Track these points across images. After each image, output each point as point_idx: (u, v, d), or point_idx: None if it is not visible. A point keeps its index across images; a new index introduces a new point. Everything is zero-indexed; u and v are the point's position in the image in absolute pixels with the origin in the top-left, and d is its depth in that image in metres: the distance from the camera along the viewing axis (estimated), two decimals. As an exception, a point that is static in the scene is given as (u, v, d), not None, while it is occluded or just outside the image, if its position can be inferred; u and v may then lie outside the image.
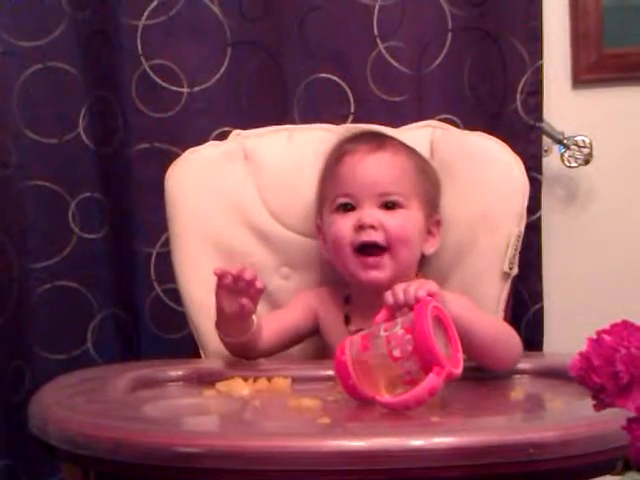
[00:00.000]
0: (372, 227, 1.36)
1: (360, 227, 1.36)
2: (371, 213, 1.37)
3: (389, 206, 1.38)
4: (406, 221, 1.38)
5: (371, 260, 1.36)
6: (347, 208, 1.39)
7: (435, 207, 1.44)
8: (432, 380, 1.06)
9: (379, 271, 1.36)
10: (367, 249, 1.36)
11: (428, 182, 1.44)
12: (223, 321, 1.31)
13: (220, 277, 1.27)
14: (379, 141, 1.43)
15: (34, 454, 1.60)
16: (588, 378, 0.81)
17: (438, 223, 1.44)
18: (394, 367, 1.09)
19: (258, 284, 1.27)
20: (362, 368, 1.11)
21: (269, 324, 1.37)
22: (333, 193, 1.41)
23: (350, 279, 1.41)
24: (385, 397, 1.08)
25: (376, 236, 1.36)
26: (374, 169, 1.40)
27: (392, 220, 1.37)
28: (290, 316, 1.43)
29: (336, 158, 1.43)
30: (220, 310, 1.30)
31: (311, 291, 1.47)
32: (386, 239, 1.36)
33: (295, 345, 1.43)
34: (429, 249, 1.43)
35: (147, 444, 0.97)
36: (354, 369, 1.11)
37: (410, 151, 1.44)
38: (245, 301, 1.27)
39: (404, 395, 1.07)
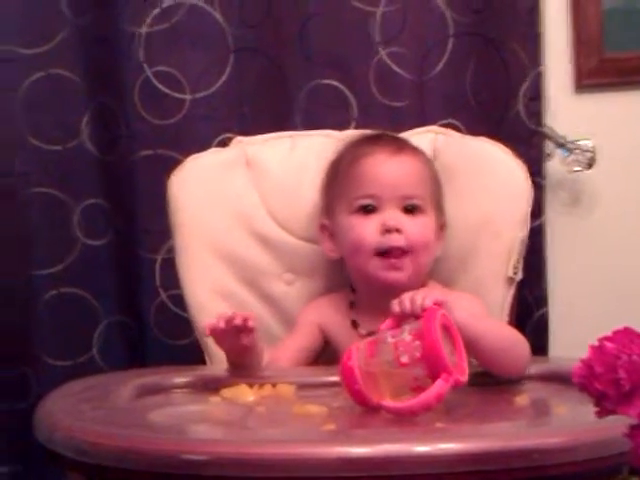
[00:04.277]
0: (396, 230, 1.36)
1: (386, 231, 1.36)
2: (395, 216, 1.37)
3: (410, 209, 1.38)
4: (426, 226, 1.39)
5: (394, 262, 1.36)
6: (368, 210, 1.38)
7: (442, 210, 1.44)
8: (440, 386, 1.06)
9: (400, 272, 1.36)
10: (389, 252, 1.37)
11: (438, 186, 1.44)
12: (231, 361, 1.31)
13: (212, 331, 1.27)
14: (399, 144, 1.43)
15: (40, 461, 1.60)
16: (590, 385, 0.81)
17: (443, 226, 1.44)
18: (401, 373, 1.09)
19: (250, 323, 1.27)
20: (368, 374, 1.11)
21: (281, 355, 1.38)
22: (352, 194, 1.40)
23: (364, 280, 1.40)
24: (391, 403, 1.08)
25: (400, 240, 1.36)
26: (397, 171, 1.40)
27: (414, 225, 1.38)
28: (298, 342, 1.42)
29: (353, 159, 1.42)
30: (226, 353, 1.31)
31: (310, 307, 1.46)
32: (408, 243, 1.37)
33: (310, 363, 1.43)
34: (437, 252, 1.43)
35: (152, 451, 0.97)
36: (360, 375, 1.11)
37: (424, 155, 1.45)
38: (246, 340, 1.27)
39: (411, 401, 1.07)
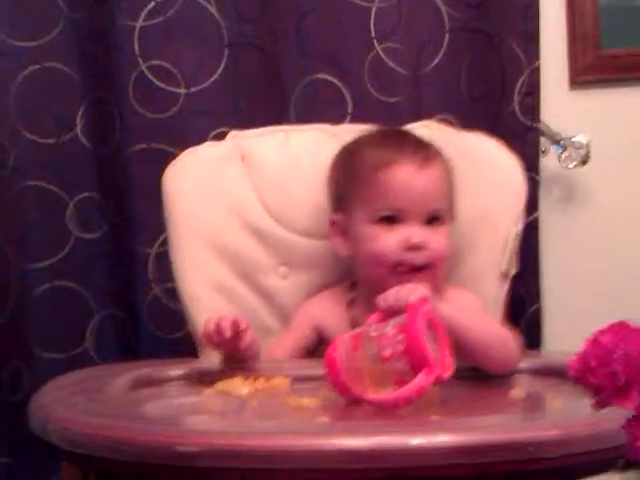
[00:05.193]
0: (419, 248, 1.35)
1: (409, 248, 1.35)
2: (419, 232, 1.35)
3: (432, 222, 1.37)
4: (446, 238, 1.38)
5: (412, 277, 1.33)
6: (389, 221, 1.36)
7: (454, 207, 1.43)
8: (421, 380, 1.07)
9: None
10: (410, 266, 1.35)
11: (454, 186, 1.42)
12: (226, 359, 1.31)
13: (208, 343, 1.28)
14: (425, 153, 1.39)
15: (34, 453, 1.60)
16: (585, 378, 0.81)
17: (452, 221, 1.43)
18: (383, 367, 1.09)
19: (242, 327, 1.27)
20: (352, 367, 1.11)
21: (276, 352, 1.38)
22: (375, 204, 1.37)
23: (373, 285, 1.36)
24: (372, 395, 1.09)
25: (421, 258, 1.35)
26: (425, 187, 1.37)
27: (436, 240, 1.36)
28: (294, 340, 1.42)
29: (377, 166, 1.38)
30: (223, 355, 1.31)
31: (308, 304, 1.46)
32: (429, 259, 1.35)
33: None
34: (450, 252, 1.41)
35: (147, 443, 0.97)
36: (344, 367, 1.11)
37: (445, 159, 1.42)
38: (241, 344, 1.27)
39: (393, 393, 1.07)
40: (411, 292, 1.16)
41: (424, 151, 1.40)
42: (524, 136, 1.66)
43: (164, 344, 1.66)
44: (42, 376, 1.21)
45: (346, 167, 1.44)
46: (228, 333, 1.26)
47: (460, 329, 1.18)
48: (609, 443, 0.93)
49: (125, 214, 1.70)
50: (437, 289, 1.34)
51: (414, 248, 1.35)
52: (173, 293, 1.52)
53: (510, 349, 1.25)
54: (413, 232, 1.35)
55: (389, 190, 1.37)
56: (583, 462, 0.95)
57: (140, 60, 1.67)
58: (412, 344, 1.08)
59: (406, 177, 1.37)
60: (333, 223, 1.43)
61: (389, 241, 1.36)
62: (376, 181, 1.37)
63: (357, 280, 1.44)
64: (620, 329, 0.87)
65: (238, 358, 1.29)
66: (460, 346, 1.17)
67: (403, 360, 1.08)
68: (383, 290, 1.22)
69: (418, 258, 1.35)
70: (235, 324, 1.27)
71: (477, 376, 1.22)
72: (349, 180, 1.42)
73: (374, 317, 1.18)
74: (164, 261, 1.53)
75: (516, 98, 1.66)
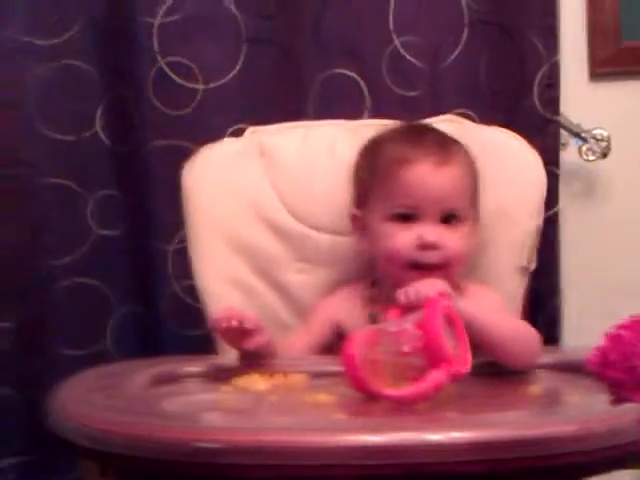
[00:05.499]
0: (433, 247, 1.34)
1: (423, 246, 1.34)
2: (434, 231, 1.34)
3: (449, 220, 1.35)
4: (464, 237, 1.36)
5: (426, 275, 1.31)
6: (405, 218, 1.35)
7: (478, 204, 1.41)
8: (438, 376, 1.06)
9: None
10: (423, 266, 1.34)
11: (477, 182, 1.41)
12: (242, 355, 1.31)
13: (216, 327, 1.27)
14: (445, 149, 1.38)
15: (53, 450, 1.61)
16: (605, 373, 0.81)
17: (477, 218, 1.41)
18: (402, 362, 1.09)
19: (247, 325, 1.26)
20: (370, 362, 1.11)
21: (295, 348, 1.37)
22: (391, 200, 1.36)
23: (392, 282, 1.35)
24: (390, 391, 1.08)
25: (435, 257, 1.34)
26: (442, 185, 1.35)
27: (453, 239, 1.34)
28: (312, 337, 1.41)
29: (394, 162, 1.37)
30: (240, 352, 1.30)
31: (327, 301, 1.45)
32: (444, 258, 1.34)
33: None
34: (473, 250, 1.40)
35: (165, 439, 0.97)
36: (362, 362, 1.11)
37: (467, 154, 1.41)
38: (249, 344, 1.27)
39: (409, 389, 1.07)
40: (430, 287, 1.16)
41: (444, 149, 1.38)
42: (544, 129, 1.65)
43: (183, 341, 1.67)
44: (62, 372, 1.21)
45: (366, 163, 1.43)
46: (234, 322, 1.25)
47: (480, 325, 1.18)
48: (626, 439, 0.93)
49: (144, 211, 1.70)
50: (455, 287, 1.32)
51: (428, 247, 1.33)
52: (192, 290, 1.52)
53: (531, 344, 1.24)
54: (427, 230, 1.34)
55: (405, 187, 1.35)
56: (600, 458, 0.95)
57: (159, 57, 1.67)
58: (430, 340, 1.08)
59: (422, 175, 1.35)
60: (354, 218, 1.43)
61: (403, 239, 1.35)
62: (393, 178, 1.37)
63: (377, 277, 1.44)
64: (640, 324, 0.87)
65: (255, 356, 1.29)
66: (481, 342, 1.17)
67: (421, 356, 1.08)
68: (402, 287, 1.22)
69: (432, 257, 1.34)
70: (242, 318, 1.26)
71: (495, 372, 1.21)
72: (369, 176, 1.41)
73: (393, 312, 1.17)
74: (183, 257, 1.53)
75: (536, 91, 1.65)
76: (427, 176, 1.36)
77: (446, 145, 1.40)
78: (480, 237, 1.43)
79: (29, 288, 1.70)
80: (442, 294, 1.15)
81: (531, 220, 1.45)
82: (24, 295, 1.70)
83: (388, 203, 1.37)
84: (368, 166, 1.42)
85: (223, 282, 1.45)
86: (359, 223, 1.42)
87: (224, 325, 1.26)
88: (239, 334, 1.27)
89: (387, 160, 1.39)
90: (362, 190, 1.42)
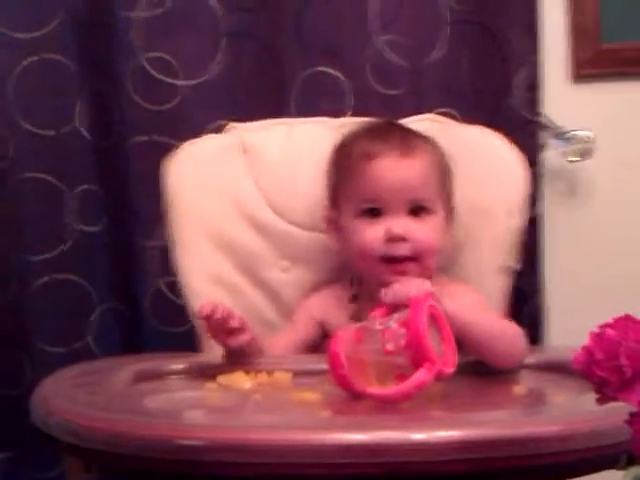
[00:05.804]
0: (402, 239, 1.34)
1: (391, 239, 1.34)
2: (400, 223, 1.34)
3: (417, 212, 1.36)
4: (433, 230, 1.36)
5: (399, 267, 1.33)
6: (373, 213, 1.36)
7: (450, 196, 1.42)
8: (421, 375, 1.07)
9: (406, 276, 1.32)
10: (394, 259, 1.35)
11: (449, 178, 1.42)
12: (227, 352, 1.30)
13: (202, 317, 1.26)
14: (408, 143, 1.39)
15: (36, 446, 1.59)
16: (591, 372, 0.81)
17: (452, 211, 1.42)
18: (386, 361, 1.09)
19: (232, 324, 1.26)
20: (355, 360, 1.11)
21: (280, 347, 1.37)
22: (357, 196, 1.37)
23: (368, 279, 1.38)
24: (374, 390, 1.09)
25: (405, 249, 1.34)
26: (405, 176, 1.36)
27: (421, 231, 1.35)
28: (296, 336, 1.41)
29: (360, 158, 1.38)
30: (225, 350, 1.30)
31: (310, 300, 1.45)
32: (414, 250, 1.34)
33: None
34: (447, 242, 1.40)
35: (148, 436, 0.97)
36: (347, 360, 1.11)
37: (434, 148, 1.41)
38: (233, 342, 1.27)
39: (393, 388, 1.07)
40: (415, 287, 1.16)
41: (407, 142, 1.39)
42: (525, 129, 1.65)
43: (167, 338, 1.65)
44: (44, 369, 1.21)
45: (335, 162, 1.44)
46: (218, 315, 1.24)
47: (466, 324, 1.18)
48: (612, 439, 0.93)
49: (125, 206, 1.69)
50: (433, 281, 1.33)
51: (396, 239, 1.34)
52: (176, 286, 1.51)
53: (517, 343, 1.25)
54: (394, 223, 1.34)
55: (370, 182, 1.36)
56: (585, 458, 0.95)
57: (139, 52, 1.66)
58: (414, 339, 1.08)
59: (385, 168, 1.36)
60: (328, 220, 1.43)
61: (372, 234, 1.35)
62: (358, 174, 1.37)
63: (356, 276, 1.43)
64: (626, 322, 0.87)
65: (240, 354, 1.28)
66: (466, 341, 1.17)
67: (405, 355, 1.08)
68: (383, 284, 1.22)
69: (401, 249, 1.34)
70: (227, 316, 1.25)
71: (481, 372, 1.22)
72: (337, 174, 1.42)
73: (378, 311, 1.17)
74: (166, 254, 1.52)
75: (517, 91, 1.65)
76: (390, 168, 1.36)
77: (409, 139, 1.40)
78: (455, 232, 1.43)
79: (8, 284, 1.68)
80: (427, 293, 1.15)
81: (512, 219, 1.46)
82: (3, 291, 1.68)
83: (355, 200, 1.37)
84: (336, 165, 1.43)
85: (206, 279, 1.44)
86: (332, 223, 1.42)
87: (208, 312, 1.25)
88: (224, 331, 1.27)
89: (353, 158, 1.39)
90: (332, 190, 1.43)
